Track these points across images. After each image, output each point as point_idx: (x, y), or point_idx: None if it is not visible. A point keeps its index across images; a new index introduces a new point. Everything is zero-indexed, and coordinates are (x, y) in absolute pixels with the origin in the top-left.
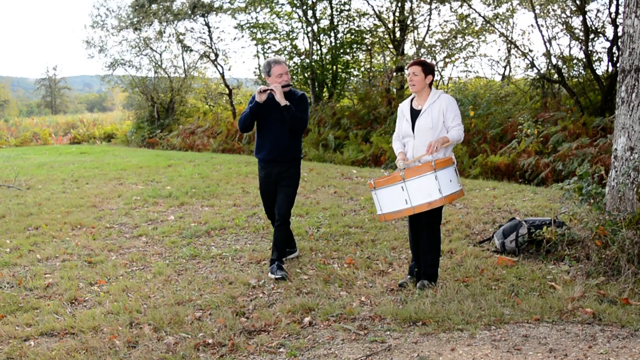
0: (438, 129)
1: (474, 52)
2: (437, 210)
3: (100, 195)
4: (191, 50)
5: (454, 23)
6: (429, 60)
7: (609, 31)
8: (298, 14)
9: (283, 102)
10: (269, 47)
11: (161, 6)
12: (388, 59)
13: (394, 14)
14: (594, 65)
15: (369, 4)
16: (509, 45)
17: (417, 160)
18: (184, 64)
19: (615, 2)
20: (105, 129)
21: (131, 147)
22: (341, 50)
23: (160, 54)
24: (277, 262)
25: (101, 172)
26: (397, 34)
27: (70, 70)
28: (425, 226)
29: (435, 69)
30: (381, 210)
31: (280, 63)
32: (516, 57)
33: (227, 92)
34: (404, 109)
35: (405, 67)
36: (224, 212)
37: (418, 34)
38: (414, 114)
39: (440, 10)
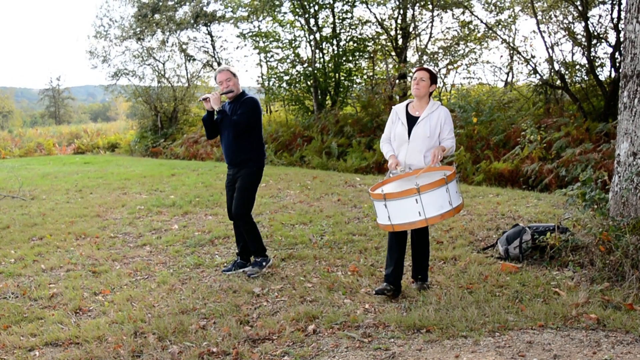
0: (434, 139)
1: (476, 59)
2: None
3: (104, 205)
4: (194, 60)
5: (456, 30)
6: (435, 71)
7: (612, 37)
8: (300, 22)
9: (215, 107)
10: (272, 56)
11: (164, 16)
12: (390, 66)
13: (396, 21)
14: (596, 71)
15: (371, 11)
16: (511, 52)
17: (408, 167)
18: (187, 73)
19: (617, 7)
20: (108, 139)
21: (135, 157)
22: (344, 58)
23: (164, 64)
24: (254, 259)
25: (105, 182)
26: (400, 42)
27: (73, 81)
28: (417, 232)
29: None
30: (390, 221)
31: (222, 71)
32: (519, 64)
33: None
34: (399, 112)
35: (413, 71)
36: (228, 220)
37: (420, 41)
38: (411, 120)
39: (442, 17)
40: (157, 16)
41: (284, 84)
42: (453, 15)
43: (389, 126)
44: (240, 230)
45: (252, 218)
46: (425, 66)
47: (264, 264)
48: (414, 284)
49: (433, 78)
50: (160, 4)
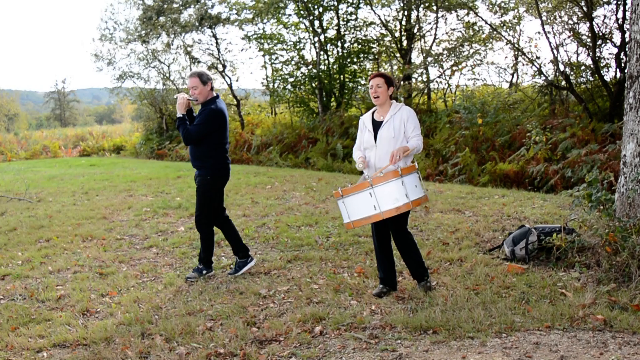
0: (399, 139)
1: (481, 60)
2: (403, 217)
3: (110, 207)
4: (199, 62)
5: (460, 31)
6: (388, 73)
7: (617, 37)
8: (305, 25)
9: (178, 112)
10: (276, 58)
11: (169, 18)
12: (395, 67)
13: (400, 22)
14: (602, 72)
15: (375, 13)
16: (516, 53)
17: (380, 171)
18: None
19: (622, 8)
20: (114, 141)
21: (140, 159)
22: (348, 60)
23: (169, 66)
24: (200, 262)
25: (111, 184)
26: (404, 43)
27: (79, 83)
28: (395, 235)
29: (395, 81)
30: (349, 218)
31: (192, 76)
32: (523, 64)
33: (235, 102)
34: (365, 121)
35: (368, 80)
36: (234, 222)
37: (425, 42)
38: (376, 125)
39: (446, 18)
40: (162, 19)
41: (289, 86)
42: (457, 16)
43: (359, 136)
44: (225, 230)
45: (211, 229)
46: (375, 72)
47: (204, 272)
48: (418, 286)
49: (388, 81)
50: (165, 6)
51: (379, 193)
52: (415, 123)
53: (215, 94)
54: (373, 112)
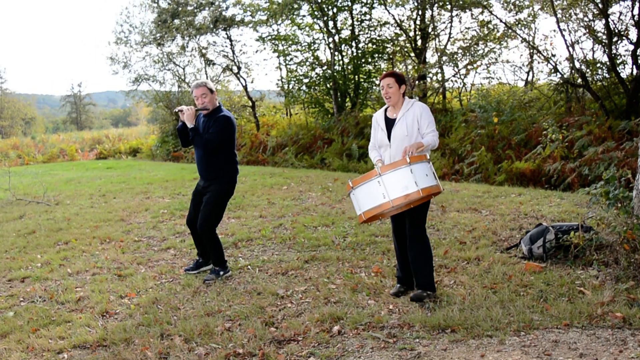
0: (413, 136)
1: (496, 59)
2: (420, 213)
3: (127, 209)
4: (214, 64)
5: (475, 30)
6: (398, 71)
7: (633, 34)
8: (319, 25)
9: (189, 124)
10: (291, 59)
11: (183, 21)
12: (410, 67)
13: (414, 22)
14: (618, 69)
15: (389, 13)
16: (531, 51)
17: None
18: (206, 77)
19: (637, 4)
20: (130, 144)
21: (156, 161)
22: (363, 60)
23: (184, 68)
24: (213, 265)
25: (128, 187)
26: (419, 42)
27: (94, 87)
28: (410, 232)
29: (406, 78)
30: (360, 209)
31: (199, 86)
32: (539, 62)
33: (250, 104)
34: (378, 118)
35: (378, 81)
36: (251, 223)
37: (439, 41)
38: (389, 123)
39: (461, 17)
40: (176, 21)
41: (304, 87)
42: (472, 15)
43: (372, 134)
44: (197, 235)
45: (216, 232)
46: (386, 72)
47: (221, 273)
48: (412, 293)
49: (399, 80)
50: (180, 9)
51: (387, 181)
52: (429, 119)
53: (219, 103)
54: (386, 109)
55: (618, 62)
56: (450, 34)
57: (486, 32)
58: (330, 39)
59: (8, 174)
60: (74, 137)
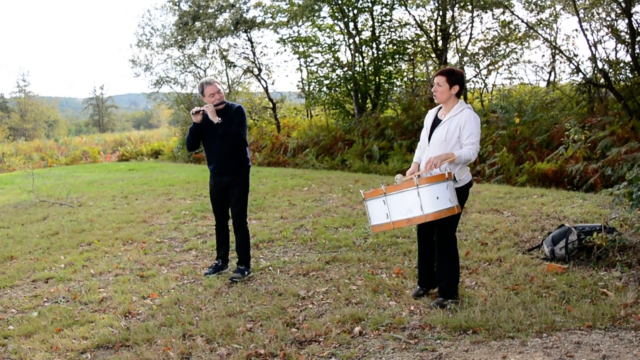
0: (451, 143)
1: (517, 59)
2: (451, 222)
3: (149, 210)
4: (235, 66)
5: (496, 30)
6: (457, 69)
7: None
8: (340, 27)
9: (215, 120)
10: (312, 60)
11: (204, 23)
12: (431, 68)
13: (435, 23)
14: None
15: (410, 14)
16: (553, 51)
17: (417, 175)
18: (227, 79)
19: None
20: (152, 146)
21: (178, 163)
22: (383, 61)
23: (205, 70)
24: (237, 264)
25: (150, 188)
26: (440, 43)
27: (116, 89)
28: (437, 236)
29: (465, 77)
30: (369, 221)
31: (212, 83)
32: (561, 63)
33: (271, 106)
34: (428, 116)
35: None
36: (272, 224)
37: (460, 42)
38: (435, 123)
39: (482, 17)
40: (197, 24)
41: (324, 88)
42: (493, 15)
43: (422, 132)
44: (225, 234)
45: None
46: (442, 69)
47: (246, 272)
48: (434, 301)
49: (452, 79)
50: (201, 12)
51: (391, 201)
52: (472, 130)
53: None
54: (439, 109)
55: None
56: (471, 34)
57: (507, 32)
58: (351, 40)
59: (32, 176)
60: (96, 140)
